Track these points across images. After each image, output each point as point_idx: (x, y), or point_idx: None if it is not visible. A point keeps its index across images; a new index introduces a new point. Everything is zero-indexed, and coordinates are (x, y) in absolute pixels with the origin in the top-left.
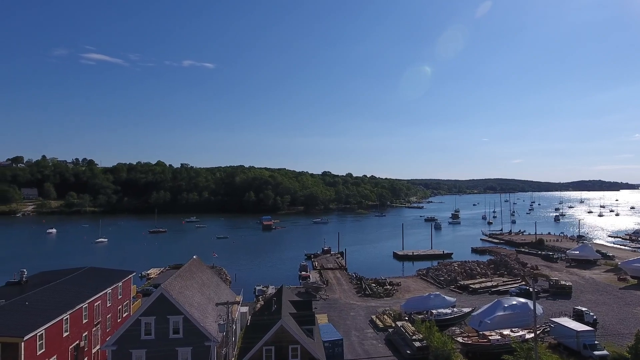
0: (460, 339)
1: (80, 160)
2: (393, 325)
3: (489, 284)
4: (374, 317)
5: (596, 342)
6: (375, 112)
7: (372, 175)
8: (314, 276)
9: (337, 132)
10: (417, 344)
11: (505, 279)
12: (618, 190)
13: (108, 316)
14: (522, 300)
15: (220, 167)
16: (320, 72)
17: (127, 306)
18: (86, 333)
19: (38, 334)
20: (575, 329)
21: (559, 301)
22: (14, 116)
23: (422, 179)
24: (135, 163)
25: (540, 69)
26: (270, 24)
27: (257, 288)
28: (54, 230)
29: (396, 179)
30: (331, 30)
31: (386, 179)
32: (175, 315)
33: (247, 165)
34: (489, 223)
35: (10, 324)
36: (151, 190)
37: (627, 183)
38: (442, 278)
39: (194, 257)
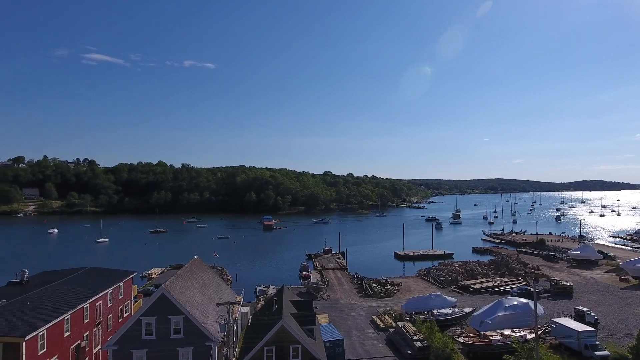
0: (461, 339)
1: (81, 160)
2: (394, 325)
3: (490, 284)
4: (374, 317)
5: (597, 342)
6: (376, 112)
7: (373, 176)
8: (314, 276)
9: (338, 132)
10: (418, 344)
11: (506, 279)
12: (619, 190)
13: (109, 316)
14: (523, 300)
15: (221, 167)
16: (321, 72)
17: (128, 306)
18: (87, 333)
19: (39, 334)
20: (577, 329)
21: (560, 301)
22: (15, 116)
23: (423, 179)
24: (136, 163)
25: (540, 68)
26: (270, 24)
27: (258, 288)
28: (55, 231)
29: (397, 179)
30: (331, 30)
31: (387, 179)
32: (176, 315)
33: (248, 166)
34: (490, 223)
35: (12, 323)
36: (152, 191)
37: (628, 183)
38: (443, 278)
39: (195, 257)
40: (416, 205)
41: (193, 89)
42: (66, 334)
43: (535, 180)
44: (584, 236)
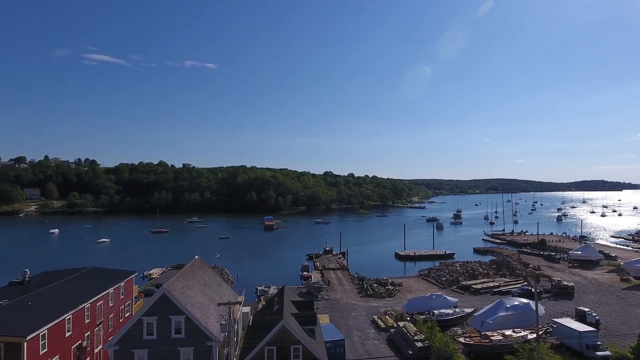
0: (462, 340)
1: (82, 160)
2: (395, 325)
3: (491, 284)
4: (375, 317)
5: (598, 342)
6: (376, 112)
7: (374, 176)
8: (315, 276)
9: (339, 132)
10: (419, 344)
11: (507, 280)
12: (621, 190)
13: (110, 316)
14: (524, 300)
15: (222, 167)
16: (321, 72)
17: (129, 306)
18: (88, 333)
19: (40, 334)
20: (578, 329)
21: (561, 302)
22: (16, 116)
23: (424, 179)
24: (137, 163)
25: (540, 68)
26: (271, 24)
27: (259, 288)
28: (56, 231)
29: (398, 179)
30: (332, 30)
31: (388, 179)
32: (177, 315)
33: (248, 166)
34: (491, 223)
35: (13, 323)
36: (153, 191)
37: (629, 183)
38: (444, 278)
39: (196, 257)
40: (417, 205)
41: (194, 89)
42: (67, 334)
43: (536, 180)
44: (585, 236)
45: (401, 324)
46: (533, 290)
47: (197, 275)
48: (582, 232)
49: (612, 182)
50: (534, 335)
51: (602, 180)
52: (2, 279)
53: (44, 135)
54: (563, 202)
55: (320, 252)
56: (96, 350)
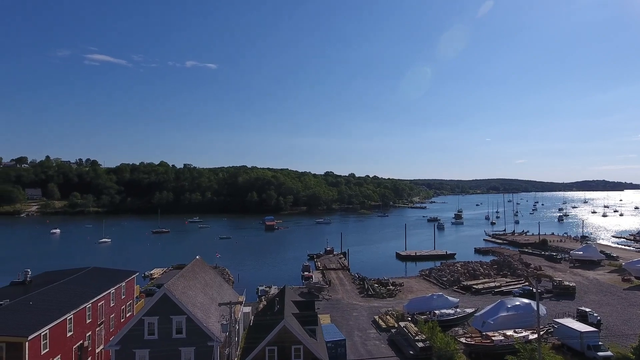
0: (463, 340)
1: (83, 160)
2: (396, 325)
3: (492, 284)
4: (376, 317)
5: (600, 343)
6: (377, 112)
7: (375, 176)
8: (316, 276)
9: (340, 132)
10: (420, 344)
11: (508, 280)
12: (622, 190)
13: (111, 316)
14: (526, 300)
15: (223, 167)
16: (322, 72)
17: (131, 306)
18: (90, 333)
19: (42, 334)
20: (579, 329)
21: (563, 302)
22: (17, 117)
23: (424, 179)
24: (138, 163)
25: (541, 68)
26: (272, 25)
27: (260, 288)
28: (57, 231)
29: (399, 179)
30: (333, 31)
31: (389, 179)
32: (178, 315)
33: (249, 166)
34: (492, 223)
35: (15, 323)
36: (154, 191)
37: (631, 183)
38: (445, 278)
39: (197, 257)
40: (418, 205)
41: (195, 90)
42: (69, 334)
43: (537, 180)
44: (587, 236)
45: (402, 324)
46: (534, 290)
47: (198, 275)
48: (584, 232)
49: (614, 182)
50: (535, 336)
51: (604, 180)
52: (3, 279)
53: (45, 135)
54: (564, 202)
55: (321, 252)
56: (97, 350)
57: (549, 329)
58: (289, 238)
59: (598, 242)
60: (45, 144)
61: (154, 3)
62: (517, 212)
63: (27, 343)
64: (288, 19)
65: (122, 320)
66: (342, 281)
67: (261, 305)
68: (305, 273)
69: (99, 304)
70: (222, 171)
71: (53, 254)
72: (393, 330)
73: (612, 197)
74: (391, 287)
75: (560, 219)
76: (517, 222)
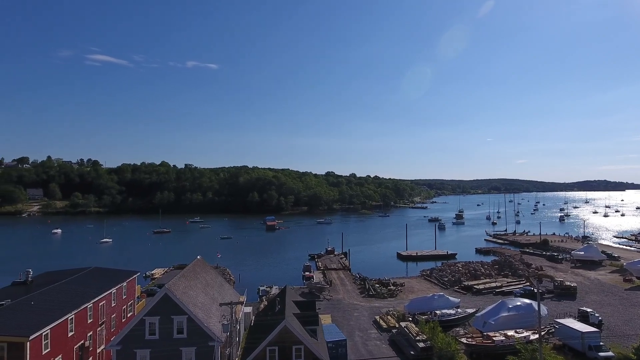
0: (464, 340)
1: (85, 160)
2: (397, 325)
3: (493, 284)
4: (377, 317)
5: (601, 343)
6: (378, 112)
7: (376, 176)
8: (317, 276)
9: (340, 132)
10: (421, 344)
11: (509, 280)
12: (623, 190)
13: (113, 316)
14: (527, 301)
15: (224, 167)
16: (323, 72)
17: (132, 306)
18: (91, 333)
19: (43, 334)
20: (580, 330)
21: (564, 302)
22: (19, 117)
23: (425, 179)
24: (139, 164)
25: (542, 68)
26: (273, 25)
27: (261, 288)
28: (59, 231)
29: (400, 179)
30: (333, 31)
31: (390, 179)
32: (179, 315)
33: (250, 166)
34: (493, 223)
35: (16, 323)
36: (155, 191)
37: (632, 183)
38: (446, 279)
39: (198, 257)
40: (419, 205)
41: (196, 90)
42: (70, 334)
43: (538, 180)
44: (588, 236)
45: (403, 324)
46: (535, 290)
47: (199, 275)
48: (585, 232)
49: (615, 182)
50: (537, 336)
51: (605, 180)
52: (5, 279)
53: (47, 135)
54: (565, 202)
55: (322, 252)
56: (98, 350)
57: (550, 330)
58: (290, 238)
59: (599, 242)
60: (47, 144)
61: (155, 3)
62: (518, 212)
63: (28, 343)
64: (288, 19)
65: (123, 320)
66: (343, 281)
67: (262, 306)
68: (306, 273)
69: (100, 304)
70: (223, 171)
71: (54, 254)
72: (394, 331)
73: (614, 197)
74: (392, 287)
75: (561, 219)
76: (518, 222)
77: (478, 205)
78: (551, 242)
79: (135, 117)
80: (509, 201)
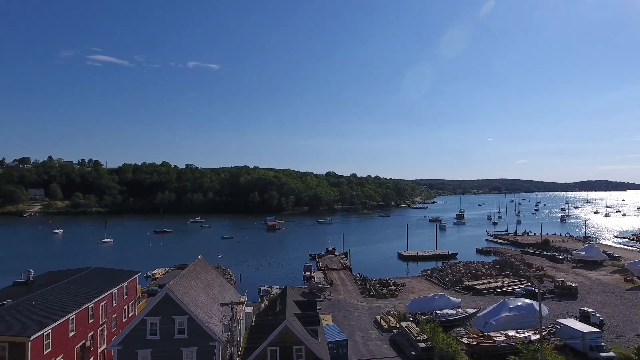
0: (465, 340)
1: (86, 160)
2: (397, 326)
3: (494, 284)
4: (378, 317)
5: (602, 343)
6: (379, 112)
7: (377, 176)
8: (318, 277)
9: (341, 132)
10: (422, 344)
11: (510, 280)
12: (625, 190)
13: (114, 316)
14: (528, 301)
15: (225, 167)
16: (324, 73)
17: (133, 306)
18: (92, 333)
19: (44, 334)
20: (582, 330)
21: (565, 302)
22: (20, 117)
23: (426, 179)
24: (140, 164)
25: (542, 68)
26: (274, 26)
27: (262, 288)
28: (60, 231)
29: (400, 180)
30: (334, 31)
31: (390, 179)
32: (180, 315)
33: (251, 166)
34: (494, 223)
35: (17, 323)
36: (156, 191)
37: (633, 183)
38: (446, 279)
39: (199, 257)
40: (420, 205)
41: (197, 90)
42: (71, 334)
43: (539, 180)
44: (589, 237)
45: (404, 324)
46: (536, 290)
47: (200, 275)
48: (586, 232)
49: (616, 182)
50: (538, 336)
51: (606, 180)
52: (6, 279)
53: (48, 135)
54: (566, 202)
55: (322, 253)
56: (100, 350)
57: (551, 330)
58: (291, 238)
59: (600, 242)
60: (48, 145)
61: (156, 4)
62: (519, 212)
63: (29, 343)
64: (289, 20)
65: (124, 320)
66: (344, 281)
67: (263, 306)
68: (307, 273)
69: (101, 304)
70: (224, 171)
71: (55, 254)
72: (395, 331)
73: (615, 197)
74: (393, 287)
75: (562, 219)
76: (519, 222)
77: (479, 205)
78: (552, 242)
79: (137, 117)
80: (510, 201)
